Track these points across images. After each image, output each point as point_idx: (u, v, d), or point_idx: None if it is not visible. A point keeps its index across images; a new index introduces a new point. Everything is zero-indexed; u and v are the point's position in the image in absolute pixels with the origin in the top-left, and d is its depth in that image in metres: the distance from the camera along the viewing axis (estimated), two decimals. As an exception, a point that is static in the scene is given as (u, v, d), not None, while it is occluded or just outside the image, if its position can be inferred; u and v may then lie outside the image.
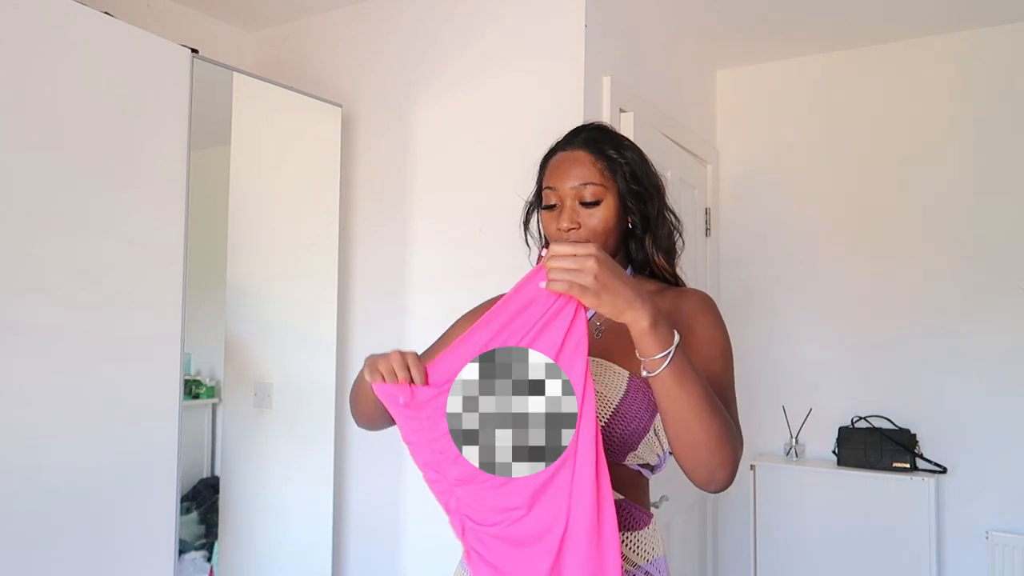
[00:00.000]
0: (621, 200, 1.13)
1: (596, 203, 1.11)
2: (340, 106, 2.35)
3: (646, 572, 1.07)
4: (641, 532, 1.08)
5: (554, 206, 1.14)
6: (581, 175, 1.12)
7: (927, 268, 2.61)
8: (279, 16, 2.58)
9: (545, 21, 2.08)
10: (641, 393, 1.05)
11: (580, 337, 0.92)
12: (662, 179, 1.19)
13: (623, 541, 1.05)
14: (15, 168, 1.50)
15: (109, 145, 1.66)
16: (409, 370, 0.96)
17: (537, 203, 1.22)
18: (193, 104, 1.82)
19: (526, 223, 1.27)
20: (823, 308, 2.77)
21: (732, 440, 0.93)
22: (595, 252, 0.86)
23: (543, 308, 0.92)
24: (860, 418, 2.65)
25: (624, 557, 1.05)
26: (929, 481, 2.43)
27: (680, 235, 1.21)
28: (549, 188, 1.15)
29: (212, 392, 2.48)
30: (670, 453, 1.18)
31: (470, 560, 1.00)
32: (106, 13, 1.67)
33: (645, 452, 1.07)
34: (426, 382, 0.96)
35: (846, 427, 2.63)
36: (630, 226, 1.15)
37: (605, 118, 2.09)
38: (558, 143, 1.20)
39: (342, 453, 2.36)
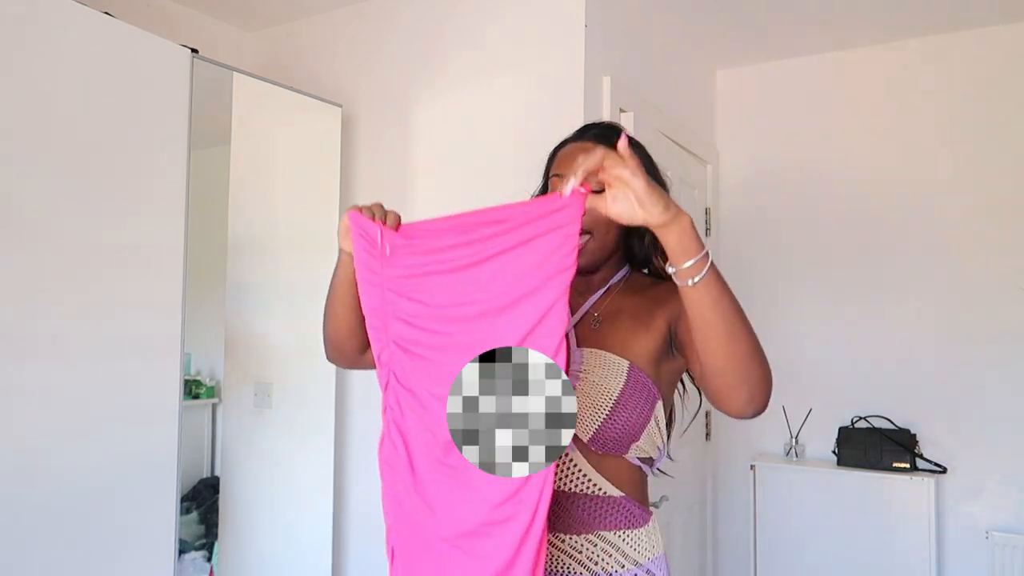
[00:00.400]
0: None
1: (602, 191, 0.97)
2: (340, 106, 2.35)
3: (647, 570, 1.07)
4: (640, 530, 1.08)
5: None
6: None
7: (927, 268, 2.61)
8: (279, 16, 2.58)
9: (545, 21, 2.08)
10: (641, 383, 1.06)
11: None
12: (668, 182, 1.19)
13: (622, 539, 1.06)
14: (15, 168, 1.50)
15: (109, 145, 1.66)
16: (386, 218, 1.01)
17: (543, 193, 1.21)
18: (193, 104, 1.82)
19: None
20: (823, 308, 2.77)
21: (766, 368, 0.91)
22: (637, 162, 0.85)
23: (539, 228, 0.91)
24: (860, 418, 2.65)
25: (624, 554, 1.06)
26: (929, 481, 2.43)
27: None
28: (557, 175, 1.15)
29: (212, 392, 2.48)
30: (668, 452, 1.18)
31: (384, 416, 1.01)
32: (106, 13, 1.67)
33: (646, 443, 1.08)
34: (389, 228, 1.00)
35: (846, 427, 2.63)
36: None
37: (605, 118, 2.09)
38: (568, 137, 1.20)
39: (342, 453, 2.36)
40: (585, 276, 1.16)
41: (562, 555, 1.06)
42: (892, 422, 2.61)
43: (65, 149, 1.58)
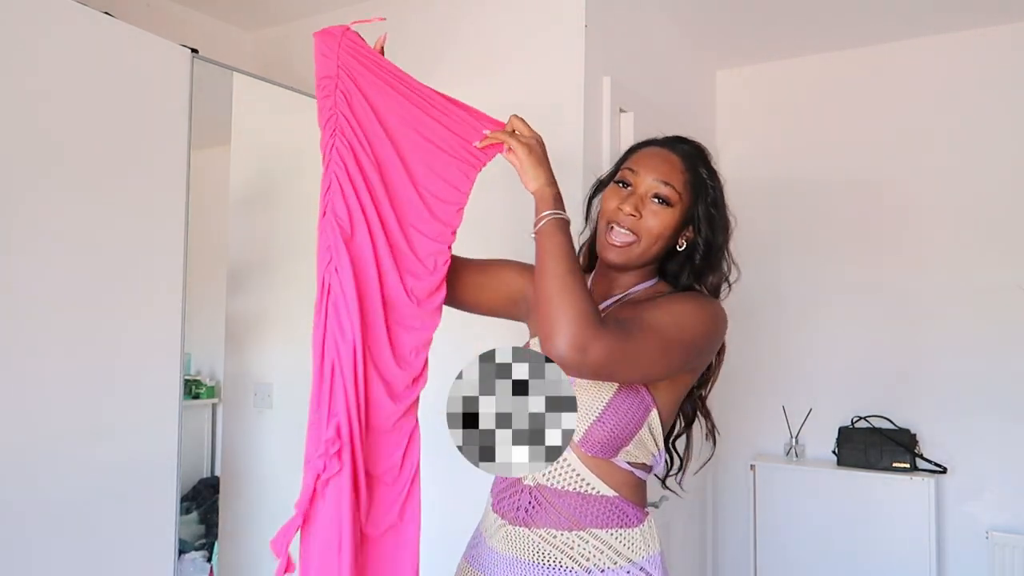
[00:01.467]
0: (686, 218, 1.16)
1: (667, 204, 1.14)
2: (340, 106, 2.34)
3: (641, 568, 1.08)
4: (634, 530, 1.09)
5: (627, 186, 1.16)
6: (667, 174, 1.15)
7: (927, 268, 2.60)
8: (279, 16, 2.58)
9: (545, 21, 2.08)
10: (634, 390, 1.07)
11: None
12: (731, 222, 1.24)
13: (615, 537, 1.07)
14: (15, 168, 1.50)
15: (109, 145, 1.66)
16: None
17: (606, 181, 1.24)
18: (193, 104, 1.82)
19: (591, 199, 1.30)
20: (823, 308, 2.77)
21: (572, 311, 0.96)
22: (537, 137, 1.17)
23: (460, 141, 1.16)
24: (860, 418, 2.65)
25: (617, 552, 1.07)
26: (929, 481, 2.43)
27: (730, 283, 1.23)
28: (630, 169, 1.17)
29: (212, 392, 2.48)
30: (669, 454, 1.20)
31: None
32: (106, 13, 1.67)
33: (638, 451, 1.09)
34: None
35: (846, 427, 2.63)
36: (679, 247, 1.18)
37: (605, 118, 2.09)
38: (656, 139, 1.22)
39: (342, 453, 2.36)
40: (617, 271, 1.20)
41: (554, 550, 1.07)
42: (892, 422, 2.61)
43: (65, 149, 1.58)
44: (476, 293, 1.27)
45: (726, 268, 1.21)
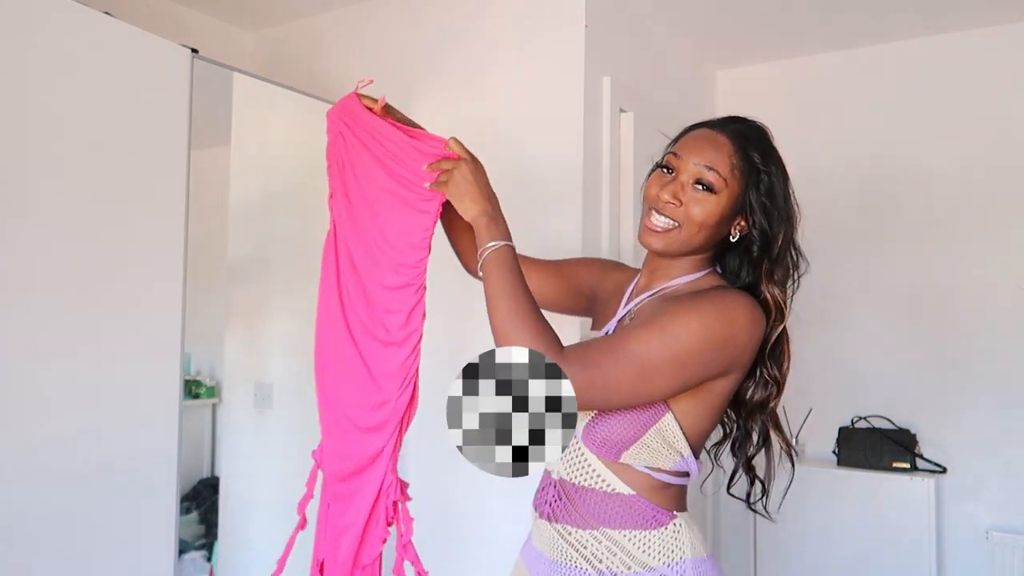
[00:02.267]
0: (737, 207, 1.07)
1: (710, 191, 1.05)
2: (340, 106, 2.34)
3: (661, 574, 1.02)
4: (654, 532, 1.03)
5: (670, 171, 1.09)
6: (712, 158, 1.06)
7: (927, 269, 2.61)
8: (279, 16, 2.58)
9: (545, 21, 2.08)
10: None
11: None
12: (796, 211, 1.13)
13: (629, 539, 1.03)
14: (15, 168, 1.50)
15: (109, 145, 1.66)
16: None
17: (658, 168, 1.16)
18: (193, 104, 1.81)
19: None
20: (823, 308, 2.77)
21: (515, 338, 0.94)
22: (468, 164, 1.10)
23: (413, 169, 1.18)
24: (860, 418, 2.65)
25: (630, 555, 1.02)
26: (929, 481, 2.43)
27: (797, 277, 1.13)
28: (673, 153, 1.10)
29: (212, 392, 2.47)
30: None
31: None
32: (106, 13, 1.67)
33: (645, 455, 1.03)
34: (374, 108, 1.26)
35: (846, 427, 2.63)
36: (732, 238, 1.10)
37: (605, 118, 2.09)
38: (707, 121, 1.13)
39: (342, 453, 2.36)
40: (665, 260, 1.13)
41: (568, 548, 1.06)
42: (892, 422, 2.61)
43: (64, 149, 1.58)
44: (546, 295, 1.27)
45: (791, 262, 1.11)
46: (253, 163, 2.28)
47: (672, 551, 1.03)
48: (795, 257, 1.12)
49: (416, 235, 1.17)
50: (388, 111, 1.27)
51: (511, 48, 2.13)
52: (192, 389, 2.44)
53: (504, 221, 1.08)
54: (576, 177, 1.99)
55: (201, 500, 2.40)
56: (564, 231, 1.98)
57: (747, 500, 1.16)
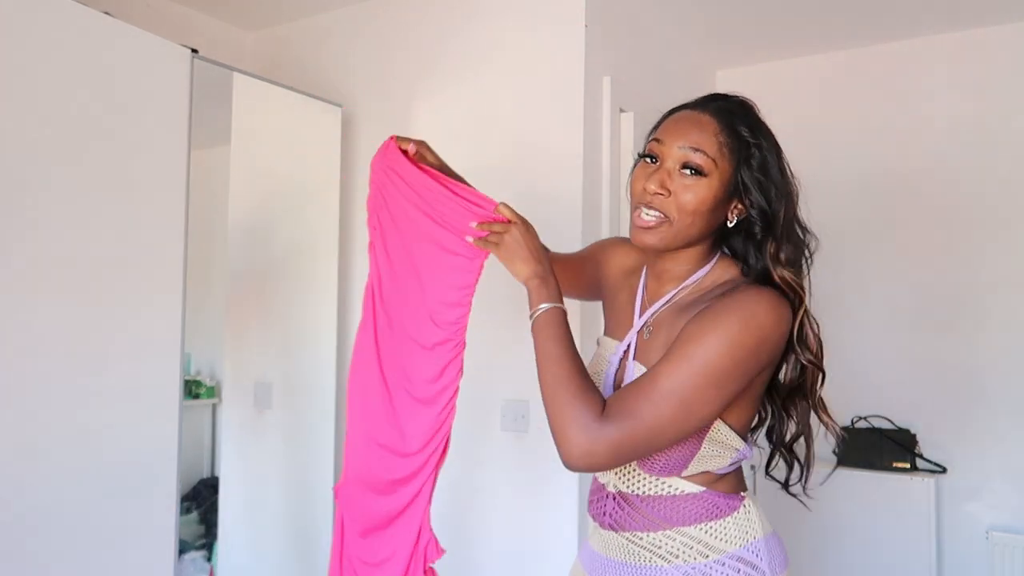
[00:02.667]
0: (730, 188, 1.01)
1: (699, 174, 0.99)
2: (340, 106, 2.35)
3: (738, 558, 1.01)
4: (727, 519, 1.03)
5: (654, 159, 1.03)
6: (697, 139, 0.99)
7: (927, 269, 2.61)
8: (279, 16, 2.58)
9: (545, 21, 2.08)
10: None
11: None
12: (794, 186, 1.06)
13: (705, 531, 1.02)
14: (15, 168, 1.50)
15: (109, 145, 1.66)
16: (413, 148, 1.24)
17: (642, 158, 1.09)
18: (193, 104, 1.82)
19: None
20: (822, 308, 2.76)
21: (564, 419, 0.94)
22: (519, 227, 1.08)
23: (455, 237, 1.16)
24: (860, 418, 2.65)
25: (707, 545, 1.02)
26: (929, 481, 2.43)
27: (809, 254, 1.07)
28: (656, 140, 1.04)
29: (212, 392, 2.47)
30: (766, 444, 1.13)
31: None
32: (106, 13, 1.67)
33: (704, 464, 1.02)
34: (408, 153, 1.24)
35: (846, 427, 2.63)
36: (729, 223, 1.04)
37: (605, 118, 2.09)
38: (689, 103, 1.06)
39: (342, 453, 2.36)
40: (663, 258, 1.08)
41: (642, 550, 1.05)
42: (892, 422, 2.61)
43: (65, 149, 1.58)
44: (571, 286, 1.28)
45: (799, 240, 1.04)
46: (253, 163, 2.28)
47: (746, 532, 1.04)
48: (802, 234, 1.06)
49: (458, 292, 1.17)
50: (421, 156, 1.26)
51: (511, 48, 2.13)
52: (192, 389, 2.44)
53: (554, 282, 1.07)
54: (576, 177, 1.99)
55: (201, 500, 2.40)
56: (564, 231, 1.98)
57: (785, 484, 1.13)
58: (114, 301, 1.66)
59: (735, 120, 1.02)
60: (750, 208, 1.02)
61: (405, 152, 1.24)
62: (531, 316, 1.05)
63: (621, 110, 2.16)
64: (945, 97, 2.61)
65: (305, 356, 2.31)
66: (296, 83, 2.32)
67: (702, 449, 1.01)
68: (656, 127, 1.08)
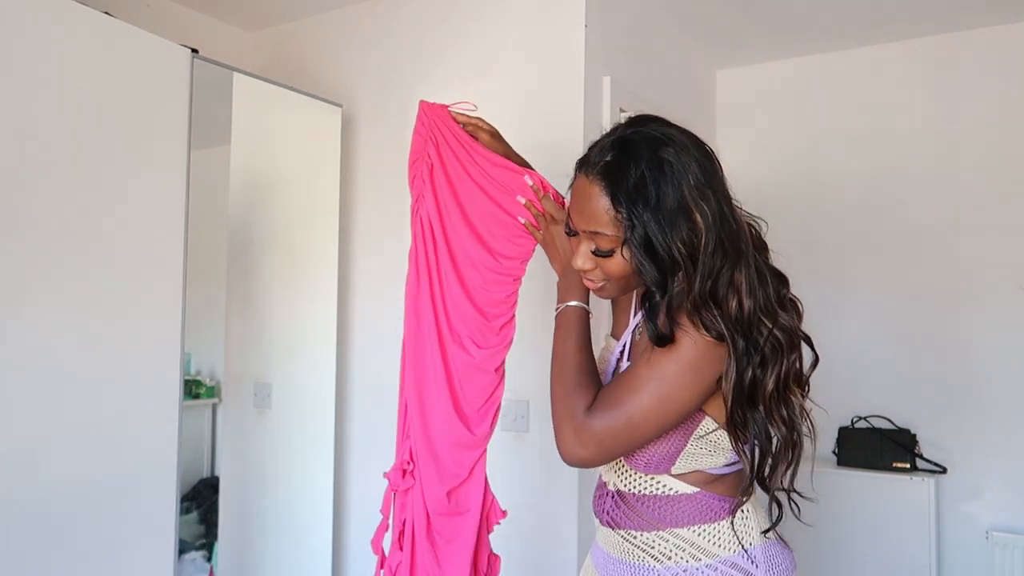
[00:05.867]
0: (644, 243, 0.95)
1: (608, 253, 0.99)
2: (340, 106, 2.35)
3: (731, 564, 1.01)
4: (721, 523, 1.03)
5: (576, 234, 1.05)
6: (592, 218, 0.98)
7: (927, 269, 2.61)
8: (279, 16, 2.58)
9: (545, 21, 2.08)
10: None
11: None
12: (713, 197, 0.97)
13: (698, 534, 1.02)
14: (15, 168, 1.50)
15: (109, 145, 1.66)
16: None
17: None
18: (193, 104, 1.82)
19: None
20: (822, 308, 2.77)
21: (558, 413, 1.02)
22: (558, 228, 1.19)
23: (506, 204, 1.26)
24: (860, 418, 2.65)
25: (700, 548, 1.02)
26: (929, 481, 2.43)
27: (750, 240, 1.02)
28: (569, 215, 1.05)
29: (212, 392, 2.48)
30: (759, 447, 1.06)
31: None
32: (106, 13, 1.67)
33: (695, 461, 1.02)
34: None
35: (846, 427, 2.63)
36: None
37: (605, 118, 2.09)
38: (587, 152, 1.03)
39: (342, 453, 2.36)
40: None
41: (636, 550, 1.06)
42: (892, 422, 2.61)
43: (65, 149, 1.58)
44: None
45: (735, 229, 0.98)
46: (253, 163, 2.28)
47: (742, 538, 1.04)
48: (734, 228, 0.98)
49: (511, 262, 1.27)
50: (485, 138, 1.36)
51: (511, 48, 2.13)
52: (192, 389, 2.44)
53: (578, 281, 1.11)
54: (576, 177, 1.99)
55: (201, 500, 2.40)
56: (564, 231, 1.98)
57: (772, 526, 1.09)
58: (114, 301, 1.66)
59: (620, 183, 0.95)
60: (672, 251, 0.94)
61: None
62: (557, 308, 1.13)
63: (621, 110, 2.16)
64: (945, 98, 2.61)
65: (305, 356, 2.31)
66: (296, 83, 2.32)
67: (688, 446, 1.01)
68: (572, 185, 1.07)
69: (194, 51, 1.83)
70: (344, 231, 2.38)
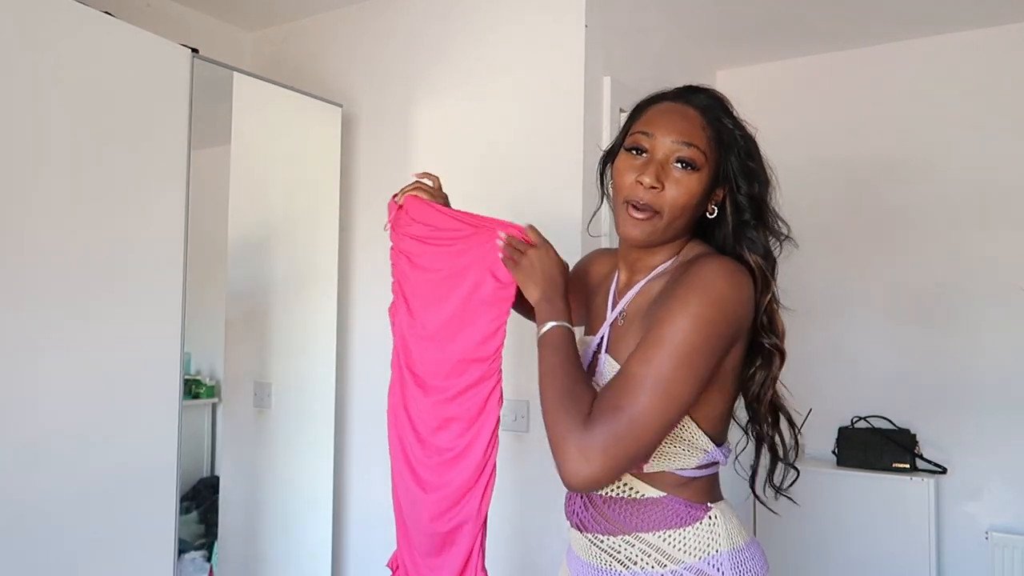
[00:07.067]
0: (718, 179, 1.02)
1: (692, 168, 0.99)
2: (340, 106, 2.35)
3: (697, 571, 0.99)
4: (687, 529, 1.01)
5: (643, 152, 1.02)
6: (689, 132, 1.00)
7: (927, 268, 2.61)
8: (279, 16, 2.58)
9: (545, 21, 2.08)
10: None
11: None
12: (769, 172, 1.07)
13: (663, 539, 1.00)
14: (14, 168, 1.50)
15: (109, 145, 1.66)
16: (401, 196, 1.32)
17: (616, 148, 1.09)
18: (193, 104, 1.82)
19: (602, 174, 1.19)
20: (822, 308, 2.77)
21: (556, 434, 0.93)
22: (538, 250, 1.13)
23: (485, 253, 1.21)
24: (860, 418, 2.65)
25: (665, 554, 1.00)
26: (929, 481, 2.43)
27: (779, 242, 1.07)
28: (643, 132, 1.02)
29: (212, 392, 2.48)
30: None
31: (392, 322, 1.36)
32: (106, 13, 1.67)
33: (667, 461, 1.01)
34: (401, 207, 1.32)
35: (846, 427, 2.63)
36: (710, 214, 1.05)
37: (605, 118, 2.09)
38: (665, 92, 1.06)
39: (342, 453, 2.36)
40: (640, 250, 1.09)
41: (602, 553, 1.05)
42: (892, 422, 2.61)
43: (65, 149, 1.58)
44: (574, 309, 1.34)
45: (774, 227, 1.06)
46: (253, 163, 2.28)
47: (708, 545, 1.00)
48: (776, 222, 1.07)
49: (493, 322, 1.21)
50: (426, 198, 1.33)
51: (511, 48, 2.13)
52: (192, 389, 2.44)
53: (562, 303, 1.09)
54: (576, 177, 1.99)
55: (201, 500, 2.40)
56: (565, 231, 1.98)
57: (751, 480, 1.13)
58: (114, 301, 1.66)
59: (719, 113, 1.03)
60: (738, 194, 1.03)
61: (401, 206, 1.32)
62: (542, 331, 1.06)
63: (621, 110, 2.16)
64: (944, 98, 2.61)
65: (305, 355, 2.31)
66: (296, 83, 2.32)
67: (664, 445, 0.99)
68: (635, 118, 1.07)
69: (194, 51, 1.83)
70: (344, 231, 2.38)
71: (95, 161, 1.63)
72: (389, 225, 1.35)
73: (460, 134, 2.22)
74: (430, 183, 1.35)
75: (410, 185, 1.34)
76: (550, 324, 1.05)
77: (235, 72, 2.05)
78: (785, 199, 3.11)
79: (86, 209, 1.62)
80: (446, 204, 1.34)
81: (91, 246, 1.62)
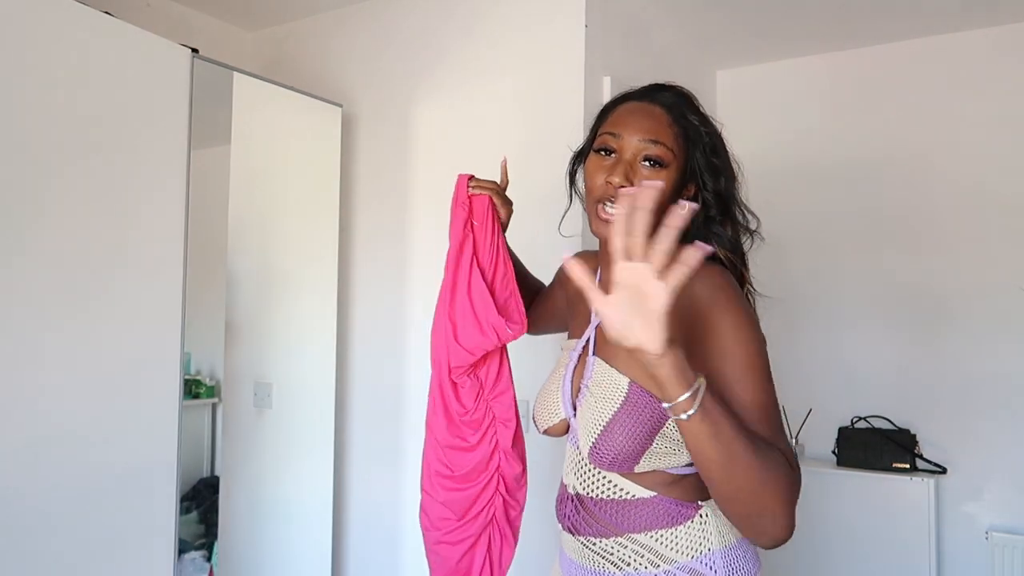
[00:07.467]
0: (686, 175, 1.02)
1: (660, 165, 0.99)
2: (340, 106, 2.35)
3: (690, 570, 0.99)
4: (679, 528, 1.00)
5: (611, 153, 1.02)
6: (654, 130, 1.00)
7: (927, 269, 2.61)
8: (279, 16, 2.58)
9: (545, 21, 2.08)
10: (643, 402, 0.97)
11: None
12: (737, 168, 1.07)
13: (655, 539, 1.00)
14: (14, 168, 1.50)
15: (109, 145, 1.66)
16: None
17: (586, 150, 1.09)
18: (193, 104, 1.82)
19: (572, 175, 1.19)
20: (822, 308, 2.77)
21: (777, 486, 0.83)
22: (665, 283, 0.71)
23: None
24: (860, 418, 2.65)
25: (657, 554, 1.00)
26: (929, 481, 2.43)
27: (752, 234, 1.07)
28: (610, 133, 1.02)
29: (212, 392, 2.48)
30: None
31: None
32: (106, 13, 1.67)
33: (657, 460, 0.99)
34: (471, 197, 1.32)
35: (846, 427, 2.63)
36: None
37: (605, 118, 2.09)
38: (631, 92, 1.07)
39: (342, 453, 2.36)
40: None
41: (595, 555, 1.05)
42: (892, 422, 2.61)
43: (65, 149, 1.58)
44: (551, 318, 1.37)
45: (743, 218, 1.06)
46: (253, 163, 2.28)
47: (700, 543, 1.00)
48: (745, 215, 1.07)
49: (472, 355, 1.26)
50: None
51: (511, 48, 2.14)
52: (192, 389, 2.44)
53: (680, 351, 0.78)
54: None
55: (201, 500, 2.40)
56: (564, 231, 1.98)
57: None
58: (114, 300, 1.66)
59: (684, 110, 1.03)
60: (704, 191, 1.03)
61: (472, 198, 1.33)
62: (688, 394, 0.77)
63: (621, 110, 2.16)
64: (944, 98, 2.61)
65: (305, 356, 2.31)
66: (296, 83, 2.32)
67: (654, 444, 0.98)
68: (603, 119, 1.07)
69: (194, 51, 1.83)
70: (344, 231, 2.38)
71: (95, 161, 1.63)
72: (458, 200, 1.34)
73: (460, 134, 2.22)
74: (506, 194, 1.35)
75: (489, 183, 1.32)
76: (700, 381, 0.79)
77: (235, 72, 2.05)
78: (785, 199, 3.15)
79: (86, 209, 1.62)
80: (510, 215, 1.35)
81: (91, 246, 1.62)
